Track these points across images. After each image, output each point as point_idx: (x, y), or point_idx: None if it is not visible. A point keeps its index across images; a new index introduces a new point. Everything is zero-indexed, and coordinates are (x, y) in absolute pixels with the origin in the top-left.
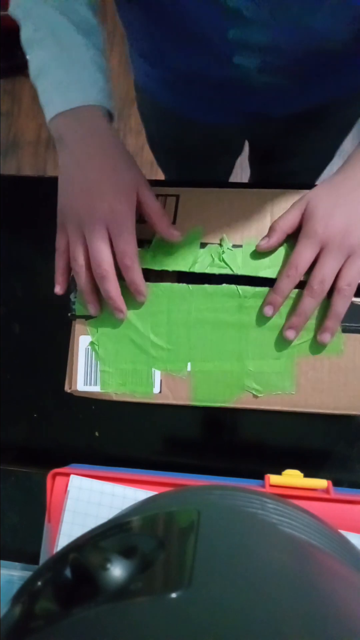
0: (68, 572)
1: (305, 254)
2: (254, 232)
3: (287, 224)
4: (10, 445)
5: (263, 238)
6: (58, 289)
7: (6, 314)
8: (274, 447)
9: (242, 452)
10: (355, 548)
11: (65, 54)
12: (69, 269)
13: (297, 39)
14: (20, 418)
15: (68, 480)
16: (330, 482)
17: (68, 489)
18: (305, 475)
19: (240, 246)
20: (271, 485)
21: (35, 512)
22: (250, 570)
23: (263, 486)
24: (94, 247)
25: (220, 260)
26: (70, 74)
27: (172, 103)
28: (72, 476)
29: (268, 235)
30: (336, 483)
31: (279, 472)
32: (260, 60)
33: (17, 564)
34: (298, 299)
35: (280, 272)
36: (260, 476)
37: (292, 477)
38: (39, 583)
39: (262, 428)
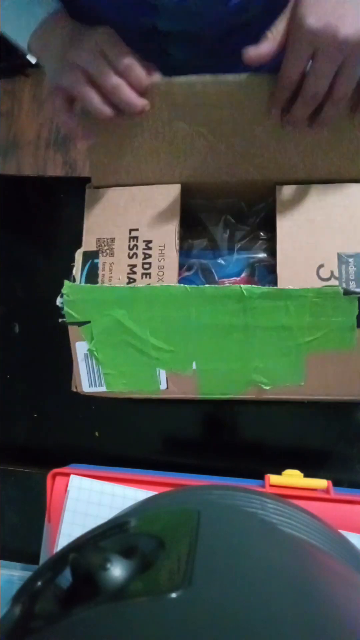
0: (68, 572)
1: (293, 63)
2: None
3: (276, 31)
4: (10, 445)
5: (251, 47)
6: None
7: (6, 314)
8: (274, 447)
9: (242, 452)
10: (355, 548)
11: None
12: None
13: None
14: (20, 418)
15: (68, 480)
16: (330, 482)
17: (68, 489)
18: (305, 475)
19: None
20: (271, 485)
21: (35, 512)
22: (250, 570)
23: (263, 486)
24: (96, 66)
25: None
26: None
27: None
28: (72, 476)
29: (258, 44)
30: (336, 483)
31: (279, 472)
32: (191, 45)
33: (17, 564)
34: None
35: (276, 86)
36: (260, 476)
37: (292, 477)
38: (39, 583)
39: (262, 428)
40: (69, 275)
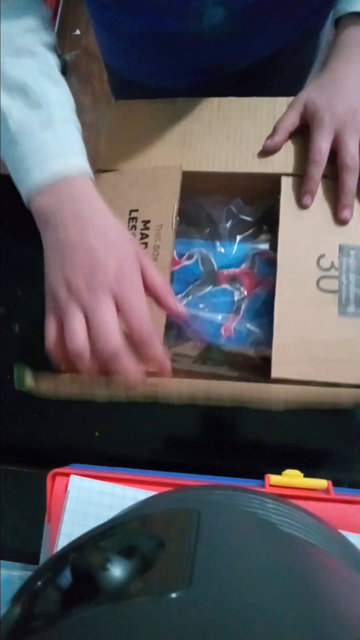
0: (68, 572)
1: (322, 141)
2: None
3: (289, 122)
4: (10, 445)
5: (267, 138)
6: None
7: (6, 314)
8: (274, 447)
9: (242, 452)
10: (355, 548)
11: (36, 113)
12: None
13: None
14: (20, 418)
15: (68, 480)
16: (330, 482)
17: (68, 489)
18: (305, 475)
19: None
20: (271, 485)
21: (35, 512)
22: (250, 570)
23: (263, 486)
24: (99, 318)
25: None
26: (46, 137)
27: (135, 72)
28: (72, 476)
29: (272, 135)
30: (336, 483)
31: (279, 472)
32: (226, 9)
33: (17, 564)
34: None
35: (307, 163)
36: (260, 476)
37: (292, 477)
38: (39, 583)
39: (262, 428)
40: None
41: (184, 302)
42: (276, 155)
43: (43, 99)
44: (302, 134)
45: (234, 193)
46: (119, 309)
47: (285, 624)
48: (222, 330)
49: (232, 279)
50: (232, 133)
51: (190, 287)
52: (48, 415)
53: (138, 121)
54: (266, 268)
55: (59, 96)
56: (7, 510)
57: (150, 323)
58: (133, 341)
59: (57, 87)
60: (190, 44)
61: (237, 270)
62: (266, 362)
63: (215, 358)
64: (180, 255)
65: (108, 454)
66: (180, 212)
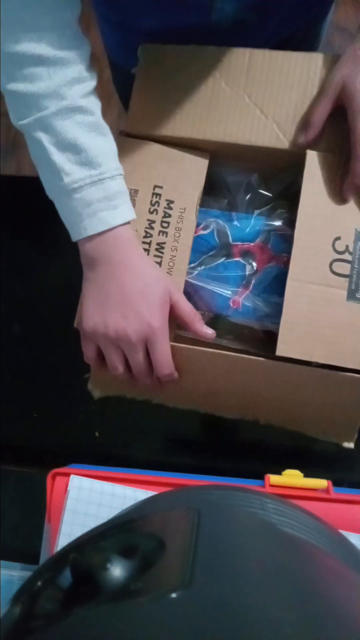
0: (68, 572)
1: None
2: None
3: (323, 112)
4: (10, 445)
5: (299, 134)
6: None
7: (6, 314)
8: (274, 447)
9: (242, 452)
10: (355, 548)
11: (87, 170)
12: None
13: None
14: (20, 418)
15: (68, 480)
16: (330, 482)
17: (68, 489)
18: (305, 475)
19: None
20: (271, 485)
21: (35, 512)
22: (250, 570)
23: (263, 486)
24: (135, 362)
25: None
26: (98, 193)
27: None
28: (72, 476)
29: (304, 130)
30: (336, 483)
31: (279, 472)
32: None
33: (17, 564)
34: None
35: (352, 157)
36: (260, 476)
37: (292, 477)
38: (39, 583)
39: (262, 428)
40: (69, 275)
41: (196, 271)
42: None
43: (92, 156)
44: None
45: (256, 165)
46: (146, 347)
47: (285, 623)
48: (231, 303)
49: (245, 253)
50: (260, 98)
51: (203, 257)
52: (48, 415)
53: (166, 72)
54: (280, 245)
55: (105, 148)
56: (7, 510)
57: (170, 362)
58: (157, 374)
59: (103, 138)
60: (199, 36)
61: (251, 244)
62: (269, 337)
63: (221, 329)
64: (197, 225)
65: (108, 454)
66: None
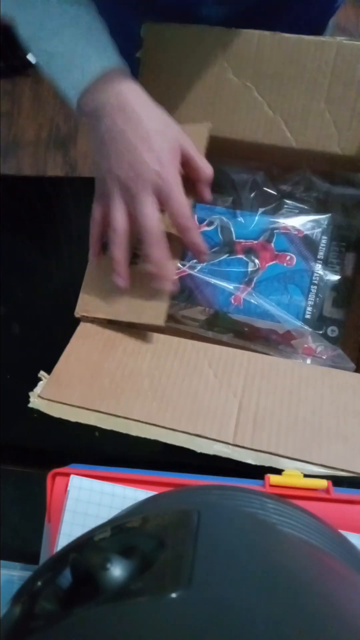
0: (68, 572)
1: None
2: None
3: None
4: (10, 445)
5: None
6: (93, 258)
7: (6, 314)
8: None
9: None
10: (355, 548)
11: (67, 30)
12: (101, 238)
13: None
14: (20, 418)
15: (68, 480)
16: (330, 482)
17: (68, 489)
18: (306, 475)
19: None
20: (271, 485)
21: (35, 512)
22: (250, 570)
23: (263, 486)
24: (145, 213)
25: None
26: (81, 45)
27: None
28: (72, 476)
29: None
30: (336, 483)
31: (279, 472)
32: None
33: (17, 564)
34: None
35: None
36: (260, 476)
37: (292, 477)
38: (39, 583)
39: None
40: (69, 275)
41: (198, 267)
42: (310, 129)
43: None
44: (335, 106)
45: (262, 163)
46: (160, 201)
47: (285, 624)
48: (232, 299)
49: (248, 250)
50: (267, 90)
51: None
52: (48, 415)
53: (171, 59)
54: (284, 243)
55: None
56: (7, 510)
57: (189, 211)
58: (177, 228)
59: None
60: None
61: (254, 242)
62: (270, 335)
63: (221, 325)
64: (201, 221)
65: (108, 454)
66: None
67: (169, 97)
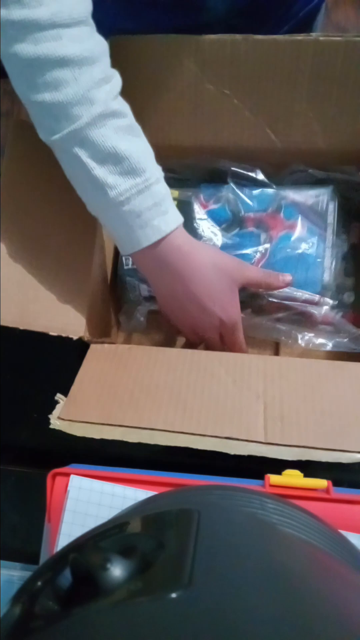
0: (68, 572)
1: None
2: None
3: None
4: (10, 445)
5: None
6: None
7: None
8: None
9: None
10: (355, 548)
11: (132, 179)
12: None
13: None
14: (20, 418)
15: (68, 480)
16: (330, 482)
17: (68, 489)
18: (305, 475)
19: None
20: (271, 485)
21: (35, 512)
22: (250, 570)
23: (263, 486)
24: (210, 344)
25: None
26: (146, 201)
27: None
28: (72, 476)
29: None
30: (336, 483)
31: (279, 472)
32: None
33: (17, 564)
34: None
35: None
36: (260, 476)
37: (292, 477)
38: (39, 583)
39: None
40: None
41: (211, 243)
42: (294, 129)
43: (134, 162)
44: (317, 102)
45: (256, 163)
46: (222, 340)
47: (285, 624)
48: None
49: (259, 223)
50: (247, 95)
51: (217, 229)
52: (48, 415)
53: (144, 72)
54: (293, 213)
55: (144, 151)
56: (7, 510)
57: (243, 346)
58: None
59: (139, 140)
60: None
61: (263, 214)
62: (287, 309)
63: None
64: (208, 199)
65: (108, 454)
66: (209, 173)
67: (148, 114)
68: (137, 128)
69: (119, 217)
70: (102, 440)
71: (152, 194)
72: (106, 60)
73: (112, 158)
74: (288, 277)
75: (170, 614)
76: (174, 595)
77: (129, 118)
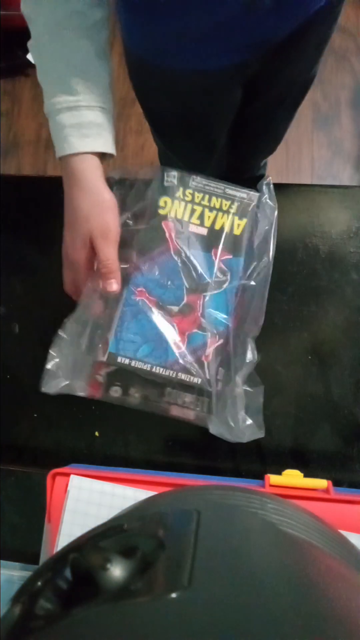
0: (68, 572)
1: None
2: None
3: None
4: (10, 445)
5: None
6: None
7: (6, 314)
8: (274, 447)
9: (242, 452)
10: (355, 548)
11: (67, 94)
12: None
13: None
14: (20, 418)
15: (68, 480)
16: (330, 482)
17: (68, 489)
18: (305, 475)
19: None
20: (271, 485)
21: (35, 512)
22: (250, 570)
23: (263, 486)
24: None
25: None
26: (72, 118)
27: (159, 56)
28: (72, 476)
29: None
30: (336, 483)
31: (279, 472)
32: None
33: (17, 564)
34: None
35: None
36: (260, 476)
37: (292, 477)
38: (39, 583)
39: None
40: None
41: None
42: None
43: (74, 81)
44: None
45: None
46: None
47: (285, 624)
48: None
49: None
50: None
51: None
52: (48, 415)
53: None
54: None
55: (95, 74)
56: (7, 510)
57: (77, 286)
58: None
59: (97, 62)
60: (220, 26)
61: None
62: None
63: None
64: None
65: (108, 454)
66: None
67: None
68: (105, 53)
69: (53, 122)
70: (102, 440)
71: (79, 115)
72: None
73: (60, 68)
74: (114, 286)
75: (170, 614)
76: (174, 595)
77: (104, 36)
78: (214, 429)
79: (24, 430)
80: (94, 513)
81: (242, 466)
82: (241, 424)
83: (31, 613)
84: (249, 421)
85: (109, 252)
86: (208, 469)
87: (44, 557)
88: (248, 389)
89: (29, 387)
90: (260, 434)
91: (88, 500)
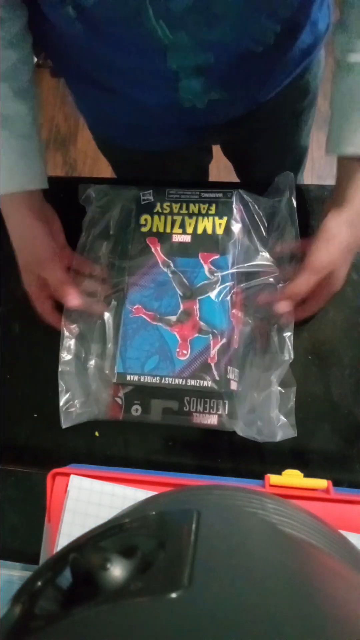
0: (68, 572)
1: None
2: None
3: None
4: (10, 445)
5: (275, 303)
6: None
7: (6, 314)
8: (274, 447)
9: (242, 452)
10: (355, 548)
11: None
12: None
13: (220, 51)
14: (20, 418)
15: (68, 480)
16: (330, 482)
17: (68, 489)
18: (305, 475)
19: None
20: (271, 485)
21: (35, 512)
22: (250, 570)
23: (263, 486)
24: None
25: None
26: (11, 160)
27: (117, 137)
28: (72, 476)
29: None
30: (336, 483)
31: (279, 472)
32: (203, 79)
33: (17, 564)
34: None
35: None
36: (260, 476)
37: (292, 477)
38: (39, 583)
39: None
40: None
41: None
42: None
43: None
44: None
45: None
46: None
47: (285, 624)
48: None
49: None
50: None
51: None
52: (48, 415)
53: None
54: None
55: (21, 113)
56: (7, 510)
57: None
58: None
59: (20, 105)
60: (169, 112)
61: None
62: None
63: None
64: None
65: (108, 454)
66: None
67: None
68: (29, 91)
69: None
70: (102, 440)
71: (6, 153)
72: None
73: None
74: (75, 302)
75: (170, 614)
76: (174, 595)
77: (24, 77)
78: (241, 430)
79: (24, 430)
80: (94, 513)
81: (242, 466)
82: (275, 424)
83: (31, 613)
84: (283, 420)
85: (53, 277)
86: (208, 469)
87: (44, 557)
88: (280, 389)
89: (29, 387)
90: (293, 433)
91: (88, 500)
